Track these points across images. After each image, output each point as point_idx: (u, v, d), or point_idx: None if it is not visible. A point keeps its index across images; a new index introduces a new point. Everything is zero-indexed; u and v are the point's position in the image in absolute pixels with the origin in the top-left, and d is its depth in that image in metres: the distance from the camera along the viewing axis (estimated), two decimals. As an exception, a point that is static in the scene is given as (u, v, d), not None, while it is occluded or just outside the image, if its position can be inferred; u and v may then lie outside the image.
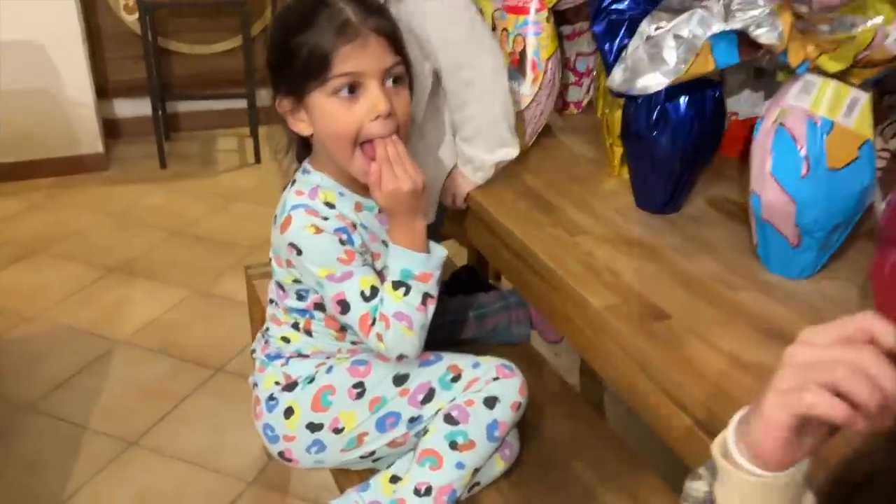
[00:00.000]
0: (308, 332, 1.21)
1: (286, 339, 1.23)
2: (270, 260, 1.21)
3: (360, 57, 1.05)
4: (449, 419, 1.15)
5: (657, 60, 1.11)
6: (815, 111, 1.02)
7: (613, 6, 1.24)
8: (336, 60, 1.04)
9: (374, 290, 1.11)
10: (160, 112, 3.48)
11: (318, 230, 1.09)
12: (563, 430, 1.36)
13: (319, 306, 1.19)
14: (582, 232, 1.24)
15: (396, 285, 1.10)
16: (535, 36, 1.43)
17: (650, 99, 1.20)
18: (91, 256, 2.76)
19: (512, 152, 1.37)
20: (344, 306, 1.11)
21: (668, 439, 0.96)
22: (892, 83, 1.22)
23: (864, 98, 1.01)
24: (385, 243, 1.17)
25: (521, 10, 1.43)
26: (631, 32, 1.20)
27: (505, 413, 1.17)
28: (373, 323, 1.10)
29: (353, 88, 1.06)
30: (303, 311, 1.20)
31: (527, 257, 1.23)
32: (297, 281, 1.17)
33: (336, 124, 1.07)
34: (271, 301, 1.26)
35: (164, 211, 3.12)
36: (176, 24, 3.72)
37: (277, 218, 1.15)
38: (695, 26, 1.10)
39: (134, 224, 3.01)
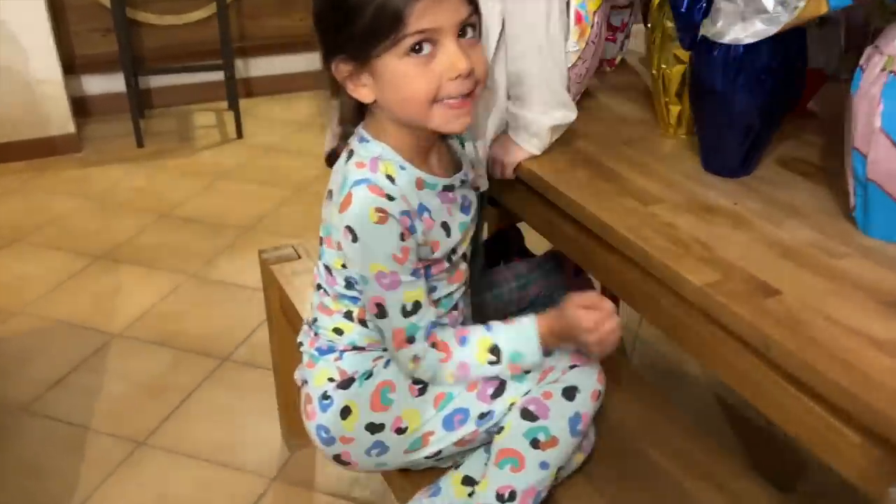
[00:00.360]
0: (363, 322, 1.08)
1: (339, 331, 1.10)
2: (321, 240, 1.08)
3: (437, 11, 0.92)
4: (527, 415, 1.04)
5: (753, 6, 0.99)
6: (932, 56, 0.92)
7: (683, -52, 1.12)
8: (411, 18, 0.91)
9: (417, 306, 1.01)
10: (133, 88, 3.28)
11: (383, 217, 0.96)
12: (631, 413, 1.26)
13: (373, 293, 1.07)
14: (655, 200, 1.13)
15: (493, 350, 1.04)
16: (582, -14, 1.30)
17: (728, 50, 1.09)
18: (73, 244, 2.59)
19: (570, 115, 1.24)
20: (381, 311, 1.02)
21: (800, 433, 0.86)
22: None
23: None
24: (445, 225, 1.05)
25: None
26: (704, -22, 1.08)
27: (586, 403, 1.06)
28: (410, 340, 1.02)
29: (428, 46, 0.94)
30: (355, 299, 1.07)
31: (598, 231, 1.11)
32: (346, 265, 1.05)
33: (413, 88, 0.95)
34: (318, 287, 1.12)
35: (147, 192, 2.95)
36: (143, -7, 3.52)
37: (334, 194, 1.02)
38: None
39: (115, 207, 2.84)
